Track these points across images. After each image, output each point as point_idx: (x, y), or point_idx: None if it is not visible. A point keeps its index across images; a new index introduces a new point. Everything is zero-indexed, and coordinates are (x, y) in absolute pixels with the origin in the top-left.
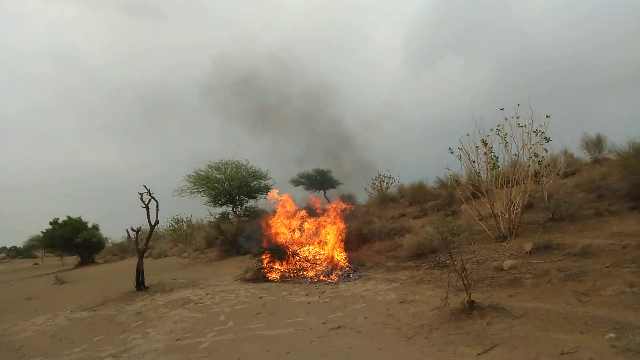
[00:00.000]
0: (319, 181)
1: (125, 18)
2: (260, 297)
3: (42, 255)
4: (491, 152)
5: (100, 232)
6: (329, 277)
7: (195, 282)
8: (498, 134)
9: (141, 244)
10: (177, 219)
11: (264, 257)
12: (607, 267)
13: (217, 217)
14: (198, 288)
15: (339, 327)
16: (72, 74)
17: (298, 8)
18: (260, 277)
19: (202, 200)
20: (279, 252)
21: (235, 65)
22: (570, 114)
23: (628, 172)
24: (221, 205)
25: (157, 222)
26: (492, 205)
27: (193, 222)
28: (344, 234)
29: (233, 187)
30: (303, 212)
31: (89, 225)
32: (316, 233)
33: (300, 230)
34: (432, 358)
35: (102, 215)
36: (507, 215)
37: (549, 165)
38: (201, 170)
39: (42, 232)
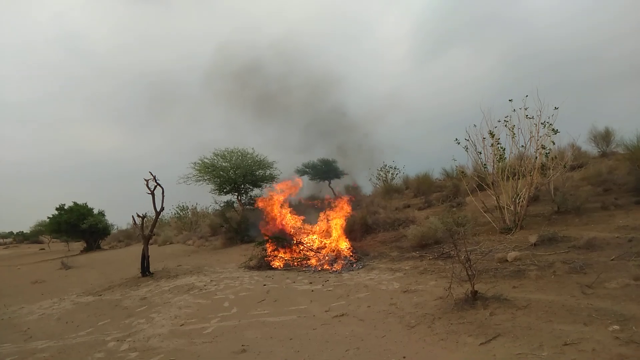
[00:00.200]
0: (324, 171)
1: (129, 6)
2: (264, 285)
3: (49, 241)
4: (498, 144)
5: (106, 218)
6: (332, 266)
7: (200, 269)
8: (506, 125)
9: (146, 231)
10: (183, 206)
11: (268, 245)
12: (612, 260)
13: (222, 205)
14: (203, 275)
15: (342, 315)
16: (78, 62)
17: None
18: (264, 265)
19: (208, 188)
20: (283, 241)
21: (239, 54)
22: (578, 106)
23: (636, 166)
24: (226, 193)
25: (162, 208)
26: (498, 197)
27: (198, 210)
28: (346, 224)
29: (238, 175)
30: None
31: (95, 211)
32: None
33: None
34: (434, 347)
35: (108, 202)
36: (512, 208)
37: (556, 157)
38: (207, 158)
39: (48, 218)
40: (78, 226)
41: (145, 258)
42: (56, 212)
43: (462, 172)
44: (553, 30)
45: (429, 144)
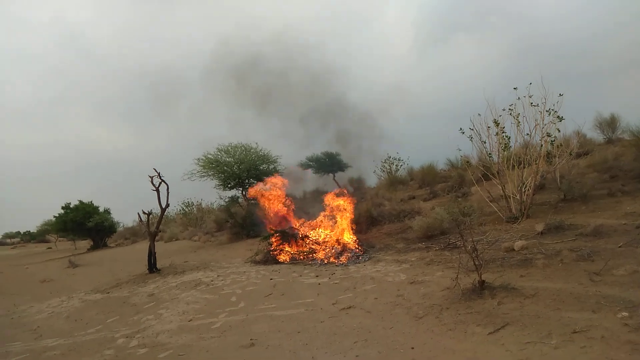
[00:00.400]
0: (328, 164)
1: (131, 5)
2: (271, 279)
3: (55, 240)
4: (503, 133)
5: (111, 216)
6: (338, 258)
7: (206, 265)
8: (510, 113)
9: (152, 227)
10: (188, 202)
11: (273, 239)
12: (619, 247)
13: (226, 200)
14: (209, 270)
15: (350, 307)
16: (83, 63)
17: None
18: (270, 259)
19: (212, 184)
20: (289, 235)
21: (240, 50)
22: (584, 94)
23: None
24: (231, 188)
25: (167, 205)
26: (504, 186)
27: (203, 206)
28: (353, 217)
29: (242, 170)
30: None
31: (101, 209)
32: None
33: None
34: (442, 337)
35: (114, 200)
36: (518, 196)
37: (561, 145)
38: (210, 154)
39: (54, 217)
40: (84, 224)
41: (152, 255)
42: (62, 211)
43: (467, 161)
44: (558, 19)
45: (432, 136)
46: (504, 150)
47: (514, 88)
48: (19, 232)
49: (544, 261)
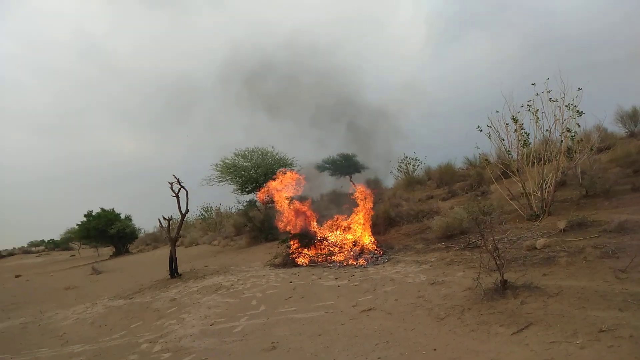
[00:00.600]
0: (344, 166)
1: (145, 11)
2: (291, 282)
3: (79, 247)
4: (522, 129)
5: (132, 222)
6: (357, 260)
7: (226, 269)
8: (529, 109)
9: (173, 233)
10: (207, 207)
11: (291, 242)
12: None
13: (245, 204)
14: (229, 274)
15: (370, 309)
16: (102, 73)
17: None
18: (289, 262)
19: (230, 189)
20: (307, 238)
21: (253, 53)
22: (604, 86)
23: None
24: (248, 192)
25: (187, 210)
26: (524, 183)
27: (222, 211)
28: (371, 218)
29: (259, 174)
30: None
31: (122, 216)
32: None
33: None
34: (465, 338)
35: (135, 207)
36: (539, 194)
37: (582, 140)
38: (228, 159)
39: (77, 225)
40: (106, 231)
41: (173, 260)
42: (84, 219)
43: (486, 159)
44: (574, 10)
45: (450, 133)
46: (523, 147)
47: (532, 84)
48: (43, 241)
49: (567, 259)
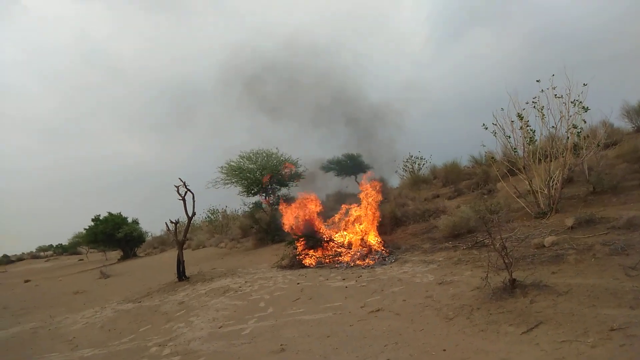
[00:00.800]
0: (349, 166)
1: (146, 15)
2: (298, 283)
3: (87, 251)
4: (527, 126)
5: (140, 226)
6: (364, 261)
7: (234, 271)
8: (534, 106)
9: (180, 236)
10: (213, 210)
11: (298, 244)
12: None
13: (250, 206)
14: (237, 276)
15: (378, 310)
16: (105, 77)
17: None
18: (296, 263)
19: (236, 191)
20: (313, 239)
21: (253, 54)
22: (609, 81)
23: None
24: (254, 194)
25: (194, 213)
26: (530, 181)
27: (228, 213)
28: (378, 217)
29: (265, 176)
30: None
31: (129, 220)
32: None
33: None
34: (474, 338)
35: (142, 210)
36: (546, 191)
37: (588, 136)
38: (233, 161)
39: (84, 229)
40: (114, 235)
41: (180, 263)
42: (92, 223)
43: (492, 157)
44: (576, 4)
45: (454, 131)
46: (529, 144)
47: (537, 81)
48: (51, 245)
49: (576, 256)
